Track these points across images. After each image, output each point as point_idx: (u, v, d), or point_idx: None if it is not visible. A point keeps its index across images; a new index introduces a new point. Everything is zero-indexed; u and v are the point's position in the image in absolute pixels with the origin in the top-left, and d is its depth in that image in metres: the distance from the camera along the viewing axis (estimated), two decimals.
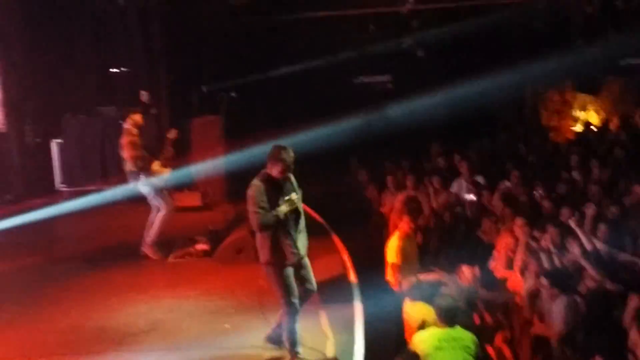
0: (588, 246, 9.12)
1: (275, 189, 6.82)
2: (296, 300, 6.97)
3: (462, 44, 17.98)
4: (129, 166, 10.45)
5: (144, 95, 13.89)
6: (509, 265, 9.51)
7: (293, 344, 7.08)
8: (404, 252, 8.15)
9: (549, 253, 9.18)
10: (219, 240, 10.79)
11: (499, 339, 8.36)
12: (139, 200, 11.00)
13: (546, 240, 9.49)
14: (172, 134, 10.78)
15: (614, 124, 17.71)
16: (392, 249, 8.17)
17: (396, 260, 8.11)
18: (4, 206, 13.63)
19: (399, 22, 18.98)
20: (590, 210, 9.96)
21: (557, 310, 8.01)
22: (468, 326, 7.34)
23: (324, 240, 11.26)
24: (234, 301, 8.74)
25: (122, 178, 10.92)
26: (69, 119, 14.65)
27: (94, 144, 14.48)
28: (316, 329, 7.90)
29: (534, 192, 11.65)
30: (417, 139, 15.73)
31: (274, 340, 7.33)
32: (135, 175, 10.46)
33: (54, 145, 14.63)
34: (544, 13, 18.59)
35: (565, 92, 19.38)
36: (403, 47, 19.18)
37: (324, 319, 8.16)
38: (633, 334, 7.37)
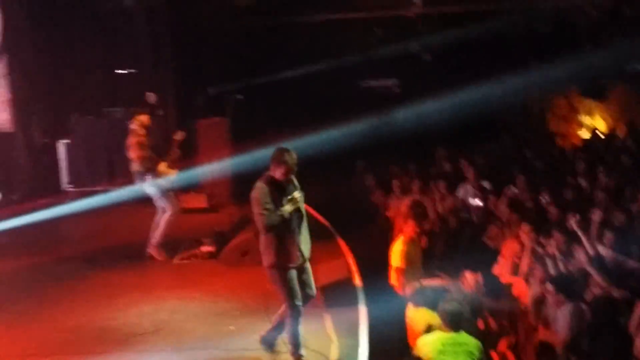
0: (590, 251, 9.09)
1: (279, 191, 6.85)
2: (300, 303, 6.99)
3: (468, 49, 17.97)
4: (135, 166, 10.48)
5: (151, 97, 14.00)
6: (515, 271, 9.49)
7: (296, 346, 7.10)
8: (408, 256, 8.14)
9: (554, 259, 9.16)
10: (225, 242, 10.80)
11: (503, 345, 8.34)
12: (145, 202, 11.03)
13: (552, 246, 9.46)
14: (178, 136, 10.81)
15: (620, 130, 17.66)
16: (397, 253, 8.16)
17: (400, 264, 8.10)
18: (10, 206, 13.66)
19: (406, 25, 18.97)
20: (596, 215, 9.94)
21: (562, 316, 7.99)
22: (472, 332, 7.32)
23: (329, 243, 11.28)
24: (239, 303, 8.75)
25: (128, 179, 10.96)
26: (76, 120, 14.69)
27: (100, 145, 14.51)
28: (320, 332, 7.92)
29: (540, 197, 11.63)
30: (423, 143, 15.72)
31: (268, 343, 7.33)
32: (142, 176, 10.49)
33: (61, 146, 14.67)
34: (551, 18, 18.57)
35: (571, 97, 19.34)
36: (409, 51, 19.17)
37: (328, 322, 8.18)
38: (639, 341, 7.36)
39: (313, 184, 13.87)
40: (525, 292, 8.94)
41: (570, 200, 11.54)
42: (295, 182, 7.03)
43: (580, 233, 9.35)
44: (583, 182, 12.45)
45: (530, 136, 17.98)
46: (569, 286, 8.35)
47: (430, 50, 19.22)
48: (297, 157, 6.89)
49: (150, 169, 10.41)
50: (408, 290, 8.03)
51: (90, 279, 9.89)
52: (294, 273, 6.98)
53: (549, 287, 8.34)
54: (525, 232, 9.64)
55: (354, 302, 8.81)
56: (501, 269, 9.70)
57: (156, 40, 15.98)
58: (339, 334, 7.90)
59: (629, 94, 19.01)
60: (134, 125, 10.45)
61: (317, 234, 11.49)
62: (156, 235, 10.56)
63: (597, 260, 8.92)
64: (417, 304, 7.86)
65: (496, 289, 9.29)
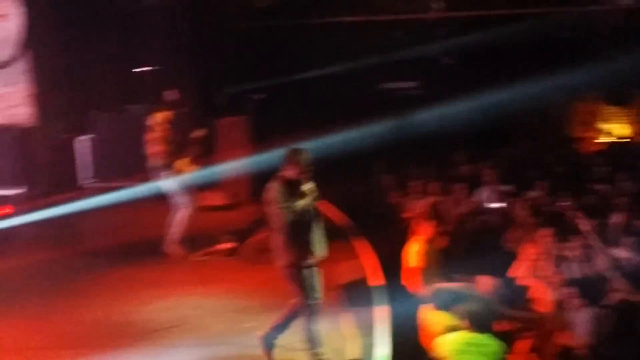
0: (606, 255, 9.06)
1: (293, 191, 6.90)
2: (317, 301, 6.99)
3: (489, 52, 17.94)
4: (155, 162, 10.52)
5: (173, 94, 14.05)
6: (533, 274, 9.46)
7: (314, 344, 7.11)
8: (424, 257, 8.14)
9: (574, 263, 9.13)
10: (244, 240, 10.84)
11: (522, 348, 8.31)
12: (165, 198, 11.06)
13: (572, 251, 9.44)
14: (199, 133, 10.85)
15: None
16: (414, 253, 8.16)
17: (417, 264, 8.10)
18: (31, 200, 13.75)
19: (427, 28, 18.97)
20: (616, 219, 9.91)
21: (582, 320, 7.97)
22: (493, 334, 7.31)
23: (347, 244, 11.28)
24: (258, 300, 8.78)
25: (148, 175, 11.00)
26: (96, 116, 14.77)
27: (120, 142, 14.58)
28: (339, 331, 7.93)
29: (560, 202, 11.60)
30: (442, 146, 15.70)
31: (268, 343, 7.27)
32: (161, 171, 10.53)
33: (81, 142, 14.77)
34: (573, 23, 18.52)
35: (592, 103, 19.27)
36: (430, 54, 19.16)
37: (346, 321, 8.18)
38: None
39: (332, 184, 14.02)
40: (543, 295, 8.91)
41: (589, 205, 11.52)
42: (310, 182, 7.04)
43: (593, 237, 9.33)
44: (603, 188, 12.42)
45: (550, 141, 17.92)
46: (589, 290, 8.32)
47: (451, 53, 19.19)
48: (310, 157, 6.94)
49: (171, 165, 10.46)
50: (425, 292, 8.03)
51: (110, 274, 9.95)
52: (309, 271, 7.01)
53: (569, 291, 8.32)
54: (544, 236, 9.61)
55: (372, 302, 8.81)
56: (518, 272, 9.67)
57: (177, 38, 16.05)
58: (357, 333, 7.91)
59: None
60: (155, 120, 10.49)
61: (336, 234, 11.62)
62: (175, 232, 10.59)
63: (618, 265, 8.89)
64: (434, 307, 7.85)
65: (514, 293, 9.27)
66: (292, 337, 7.36)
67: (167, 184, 10.60)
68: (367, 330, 8.03)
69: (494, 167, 13.61)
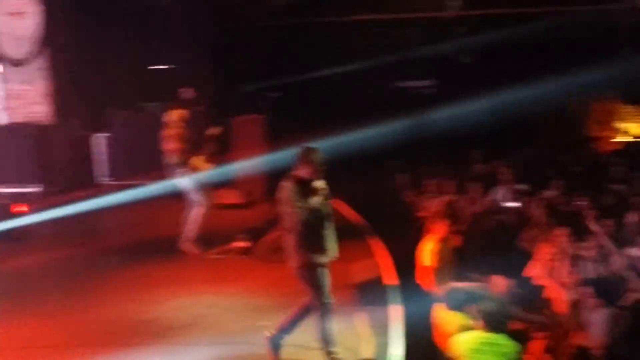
0: (621, 254, 9.02)
1: (306, 190, 6.89)
2: (330, 300, 7.00)
3: (506, 51, 17.88)
4: (171, 159, 10.55)
5: (188, 92, 14.08)
6: (549, 274, 9.43)
7: (328, 343, 7.10)
8: (439, 256, 8.14)
9: (591, 263, 9.10)
10: (259, 238, 10.85)
11: (537, 349, 8.29)
12: (181, 196, 11.09)
13: (587, 251, 9.41)
14: (214, 131, 10.88)
15: None
16: (427, 251, 8.16)
17: (431, 263, 8.10)
18: (48, 198, 13.84)
19: (444, 27, 18.92)
20: (632, 218, 9.86)
21: (599, 320, 7.94)
22: (508, 334, 7.29)
23: (362, 242, 11.28)
24: (273, 299, 8.78)
25: (164, 173, 11.04)
26: (114, 114, 14.84)
27: (137, 139, 14.65)
28: (354, 330, 7.93)
29: (576, 201, 11.56)
30: (458, 145, 15.66)
31: (275, 344, 7.23)
32: (177, 169, 10.56)
33: (98, 139, 14.85)
34: (590, 22, 18.41)
35: (609, 102, 19.17)
36: (447, 52, 19.11)
37: (361, 320, 8.18)
38: None
39: (347, 182, 14.05)
40: (559, 295, 8.88)
41: (606, 205, 11.47)
42: (322, 181, 7.04)
43: (604, 238, 9.29)
44: (619, 187, 12.36)
45: (567, 140, 17.84)
46: (606, 290, 8.29)
47: (468, 52, 19.14)
48: (323, 157, 6.93)
49: (186, 162, 10.49)
50: (439, 292, 8.02)
51: (127, 272, 9.98)
52: (322, 270, 7.01)
53: (586, 290, 8.29)
54: (560, 235, 9.58)
55: (386, 301, 8.81)
56: (534, 272, 9.64)
57: (194, 36, 16.12)
58: (371, 333, 7.91)
59: None
60: (172, 118, 10.53)
61: (350, 233, 11.64)
62: (189, 230, 10.63)
63: (633, 265, 8.85)
64: (448, 307, 7.85)
65: (529, 293, 9.24)
66: (306, 337, 7.35)
67: (182, 181, 10.63)
68: (381, 330, 8.01)
69: (510, 166, 13.56)
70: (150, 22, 15.99)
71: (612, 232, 9.88)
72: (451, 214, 8.18)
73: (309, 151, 6.95)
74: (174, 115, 10.56)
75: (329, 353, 7.10)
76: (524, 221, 11.17)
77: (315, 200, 6.88)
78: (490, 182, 13.08)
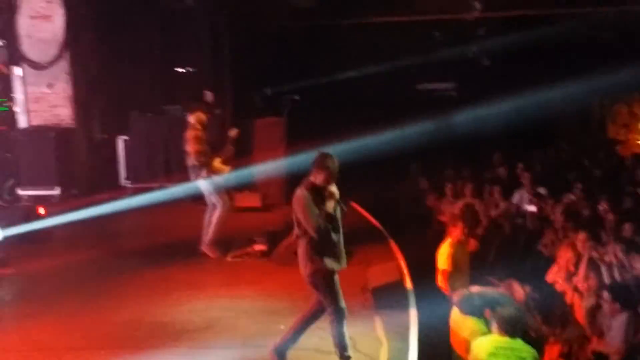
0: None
1: (320, 197, 6.85)
2: (344, 305, 6.96)
3: (528, 54, 17.77)
4: (191, 161, 10.58)
5: (208, 95, 14.15)
6: (569, 278, 9.37)
7: (344, 348, 7.06)
8: (454, 259, 8.10)
9: (611, 267, 9.02)
10: (277, 242, 10.84)
11: (554, 354, 8.23)
12: (200, 198, 11.12)
13: (609, 255, 9.33)
14: (233, 133, 10.90)
15: None
16: (443, 255, 8.14)
17: (446, 267, 8.07)
18: (70, 200, 13.93)
19: (465, 29, 18.83)
20: None
21: (617, 326, 7.87)
22: (525, 339, 7.24)
23: (381, 246, 11.26)
24: (290, 302, 8.76)
25: (184, 176, 11.07)
26: (135, 117, 14.90)
27: (158, 142, 14.70)
28: (370, 335, 7.90)
29: (598, 206, 11.46)
30: (479, 148, 15.59)
31: (280, 353, 7.20)
32: (197, 171, 10.58)
33: (119, 142, 14.92)
34: (614, 23, 18.24)
35: (632, 105, 19.00)
36: (468, 55, 19.03)
37: (378, 324, 8.15)
38: None
39: (368, 185, 14.02)
40: (579, 300, 8.82)
41: (628, 209, 11.36)
42: (334, 188, 6.98)
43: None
44: None
45: (589, 143, 17.72)
46: (625, 295, 8.21)
47: (489, 54, 19.04)
48: (338, 163, 6.88)
49: (206, 164, 10.51)
50: (455, 297, 7.98)
51: (144, 274, 10.00)
52: (337, 276, 6.98)
53: (605, 295, 8.22)
54: (581, 240, 9.51)
55: (405, 305, 8.77)
56: (555, 276, 9.58)
57: (216, 39, 16.14)
58: (389, 337, 7.88)
59: None
60: (191, 119, 10.57)
61: (370, 236, 11.62)
62: (209, 233, 10.65)
63: None
64: (464, 312, 7.80)
65: (549, 297, 9.18)
66: (321, 341, 7.36)
67: (203, 184, 10.66)
68: (399, 334, 7.98)
69: (532, 170, 13.49)
70: (172, 25, 16.05)
71: (633, 236, 9.79)
72: (467, 217, 8.13)
73: (324, 157, 6.87)
74: (194, 118, 10.59)
75: (344, 357, 7.08)
76: (544, 225, 11.10)
77: (329, 207, 6.83)
78: (511, 185, 13.02)
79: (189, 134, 10.56)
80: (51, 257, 10.79)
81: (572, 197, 12.10)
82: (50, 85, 14.84)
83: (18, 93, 15.07)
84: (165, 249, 11.10)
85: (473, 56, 19.05)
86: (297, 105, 16.76)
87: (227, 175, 10.76)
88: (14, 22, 14.72)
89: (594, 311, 8.39)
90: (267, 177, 13.43)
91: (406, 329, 8.08)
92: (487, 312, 7.36)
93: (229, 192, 10.96)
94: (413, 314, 8.46)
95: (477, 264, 8.92)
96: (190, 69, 16.58)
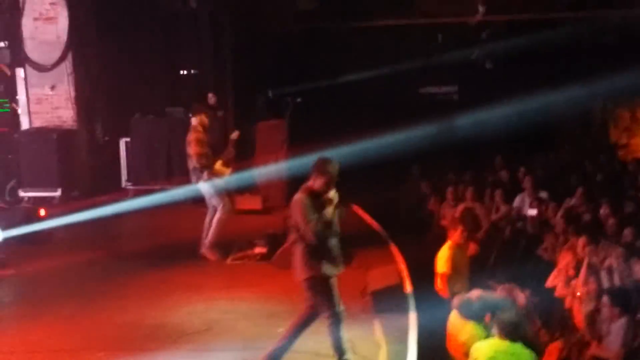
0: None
1: (319, 203, 6.82)
2: (341, 309, 6.94)
3: (530, 57, 17.76)
4: (192, 163, 10.59)
5: (210, 97, 14.17)
6: (569, 283, 9.36)
7: (342, 352, 7.04)
8: (453, 262, 8.11)
9: (611, 273, 9.01)
10: (278, 245, 10.81)
11: (554, 359, 8.22)
12: (201, 201, 11.13)
13: (609, 260, 9.32)
14: (234, 135, 10.91)
15: None
16: (442, 258, 8.14)
17: (446, 270, 8.08)
18: (71, 202, 13.94)
19: (468, 33, 18.82)
20: None
21: (616, 330, 7.86)
22: (525, 344, 7.23)
23: (381, 249, 11.25)
24: (290, 305, 8.73)
25: (186, 178, 11.09)
26: (137, 119, 14.92)
27: (160, 144, 14.71)
28: (370, 338, 7.90)
29: (600, 210, 11.44)
30: (481, 151, 15.59)
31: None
32: (198, 173, 10.59)
33: (121, 144, 14.94)
34: (615, 27, 18.23)
35: (635, 109, 18.97)
36: (471, 58, 19.01)
37: (377, 328, 8.15)
38: None
39: (369, 189, 14.02)
40: (578, 305, 8.81)
41: (630, 214, 11.35)
42: (333, 192, 6.96)
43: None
44: None
45: (591, 147, 17.71)
46: (625, 299, 8.20)
47: (492, 58, 19.02)
48: (338, 168, 6.86)
49: (207, 166, 10.52)
50: (455, 301, 7.97)
51: (144, 277, 10.01)
52: (334, 280, 6.95)
53: (605, 299, 8.20)
54: (581, 245, 9.51)
55: (404, 309, 8.76)
56: (555, 281, 9.58)
57: (218, 42, 16.17)
58: (388, 340, 7.87)
59: None
60: (194, 122, 10.59)
61: (370, 240, 11.61)
62: (209, 235, 10.65)
63: None
64: (465, 316, 7.79)
65: (549, 302, 9.17)
66: (318, 345, 7.35)
67: (204, 186, 10.67)
68: (398, 337, 7.97)
69: (533, 173, 13.48)
70: (174, 28, 16.08)
71: (634, 240, 9.78)
72: (467, 221, 8.15)
73: (324, 162, 6.85)
74: (196, 121, 10.61)
75: None
76: (545, 229, 11.10)
77: (328, 212, 6.82)
78: (512, 189, 13.01)
79: (191, 137, 10.58)
80: (51, 259, 10.80)
81: (573, 201, 12.08)
82: (52, 87, 14.86)
83: (20, 94, 15.09)
84: (166, 251, 11.10)
85: (475, 59, 19.01)
86: (299, 107, 16.75)
87: (228, 178, 10.78)
88: (18, 24, 14.74)
89: (593, 316, 8.38)
90: (268, 179, 13.43)
91: (405, 333, 8.06)
92: (488, 317, 7.35)
93: (229, 194, 10.98)
94: (412, 318, 8.45)
95: (477, 268, 8.94)
96: (192, 71, 16.60)
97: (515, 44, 17.49)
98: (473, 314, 7.58)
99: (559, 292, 9.32)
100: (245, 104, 16.33)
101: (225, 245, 10.87)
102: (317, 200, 6.81)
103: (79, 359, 7.61)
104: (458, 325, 7.71)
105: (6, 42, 14.77)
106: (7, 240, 10.59)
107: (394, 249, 11.26)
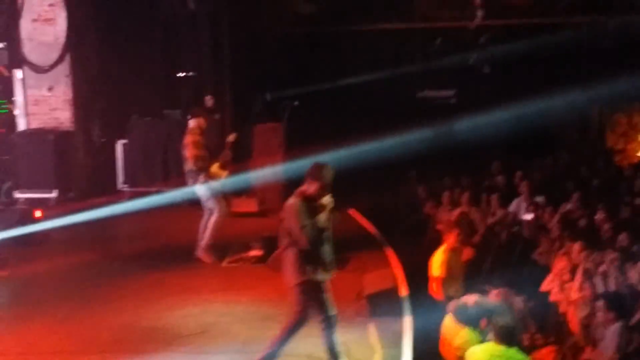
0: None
1: (312, 208, 6.80)
2: (334, 313, 6.93)
3: (528, 62, 17.78)
4: (189, 165, 10.59)
5: (208, 100, 14.16)
6: (564, 288, 9.36)
7: (336, 355, 7.03)
8: (448, 266, 8.11)
9: (606, 277, 9.02)
10: (273, 248, 10.78)
11: None
12: (197, 203, 11.12)
13: (604, 265, 9.32)
14: (231, 138, 10.92)
15: None
16: (437, 262, 8.15)
17: (440, 274, 8.08)
18: (68, 203, 13.93)
19: (466, 37, 18.86)
20: None
21: (610, 336, 7.87)
22: (520, 348, 7.24)
23: (377, 253, 11.24)
24: (285, 308, 8.69)
25: (182, 181, 11.08)
26: (134, 121, 14.92)
27: (157, 146, 14.71)
28: (364, 342, 7.89)
29: (595, 215, 11.46)
30: (478, 156, 15.59)
31: None
32: (194, 175, 10.59)
33: (119, 146, 14.94)
34: (613, 33, 18.25)
35: (633, 115, 19.00)
36: (468, 63, 19.03)
37: (372, 331, 8.14)
38: None
39: (365, 192, 14.02)
40: (573, 310, 8.82)
41: (625, 219, 11.36)
42: (327, 198, 6.93)
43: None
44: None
45: (587, 152, 17.72)
46: (619, 305, 8.21)
47: (490, 62, 19.04)
48: (333, 173, 6.84)
49: (204, 168, 10.52)
50: (450, 306, 7.97)
51: (140, 279, 9.99)
52: (325, 285, 6.94)
53: (600, 304, 8.21)
54: (576, 250, 9.51)
55: (399, 313, 8.75)
56: (550, 285, 9.58)
57: (216, 44, 16.18)
58: (383, 344, 7.86)
59: None
60: (191, 124, 10.60)
61: (366, 243, 11.60)
62: (205, 238, 10.64)
63: None
64: (460, 321, 7.79)
65: (544, 306, 9.18)
66: (315, 348, 7.31)
67: (200, 189, 10.66)
68: (393, 341, 7.97)
69: (529, 178, 13.49)
70: (173, 30, 16.08)
71: (629, 245, 9.80)
72: (463, 225, 8.16)
73: (319, 167, 6.82)
74: (193, 123, 10.62)
75: None
76: (541, 234, 11.11)
77: (322, 218, 6.81)
78: (509, 193, 13.02)
79: (188, 139, 10.58)
80: (47, 261, 10.80)
81: (569, 206, 12.10)
82: (50, 88, 14.86)
83: (18, 96, 15.08)
84: (162, 253, 11.10)
85: (473, 64, 19.03)
86: (296, 110, 16.76)
87: (225, 180, 10.77)
88: (16, 25, 14.74)
89: (588, 321, 8.39)
90: (264, 182, 13.42)
91: (400, 336, 8.05)
92: (484, 322, 7.35)
93: (226, 197, 10.97)
94: (407, 322, 8.44)
95: (473, 272, 8.93)
96: (190, 73, 16.60)
97: (513, 48, 17.53)
98: (469, 319, 7.58)
99: (554, 296, 9.33)
100: (243, 107, 16.33)
101: (221, 247, 10.86)
102: (311, 205, 6.78)
103: None
104: (452, 330, 7.71)
105: (4, 43, 14.78)
106: (2, 242, 10.57)
107: (390, 253, 11.26)
